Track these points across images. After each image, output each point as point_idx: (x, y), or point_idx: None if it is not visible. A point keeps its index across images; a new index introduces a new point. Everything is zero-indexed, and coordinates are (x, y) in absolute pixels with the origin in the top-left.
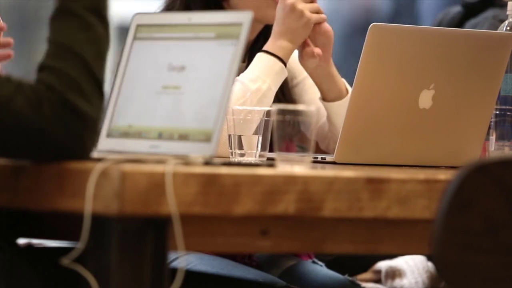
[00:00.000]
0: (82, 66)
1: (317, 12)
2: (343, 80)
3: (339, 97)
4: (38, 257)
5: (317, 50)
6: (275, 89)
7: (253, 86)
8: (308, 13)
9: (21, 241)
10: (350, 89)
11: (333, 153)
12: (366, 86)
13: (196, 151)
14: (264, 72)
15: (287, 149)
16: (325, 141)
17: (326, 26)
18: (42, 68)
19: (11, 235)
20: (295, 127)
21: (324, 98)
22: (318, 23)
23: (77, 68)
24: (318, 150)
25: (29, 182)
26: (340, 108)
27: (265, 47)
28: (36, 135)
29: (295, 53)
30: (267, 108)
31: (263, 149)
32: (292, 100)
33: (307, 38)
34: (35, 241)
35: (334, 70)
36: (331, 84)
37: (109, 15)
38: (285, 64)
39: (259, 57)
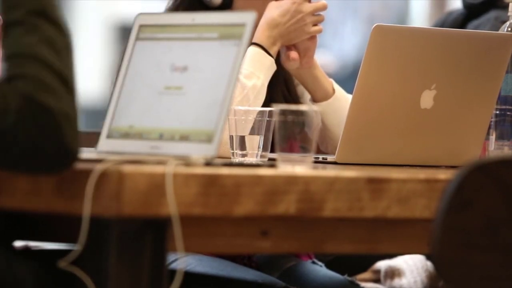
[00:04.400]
0: (40, 64)
1: (318, 21)
2: (331, 80)
3: (326, 97)
4: (35, 260)
5: (293, 55)
6: (266, 84)
7: (249, 83)
8: (310, 28)
9: (18, 243)
10: (337, 88)
11: (334, 154)
12: (368, 86)
13: (198, 151)
14: (257, 67)
15: (291, 149)
16: (324, 143)
17: None
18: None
19: (7, 237)
20: (297, 127)
21: (312, 99)
22: None
23: (36, 68)
24: (319, 151)
25: (27, 184)
26: (327, 108)
27: (256, 39)
28: (11, 142)
29: None
30: (269, 109)
31: (264, 149)
32: (297, 98)
33: None
34: (32, 244)
35: (318, 72)
36: (315, 85)
37: (60, 15)
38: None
39: (251, 50)
